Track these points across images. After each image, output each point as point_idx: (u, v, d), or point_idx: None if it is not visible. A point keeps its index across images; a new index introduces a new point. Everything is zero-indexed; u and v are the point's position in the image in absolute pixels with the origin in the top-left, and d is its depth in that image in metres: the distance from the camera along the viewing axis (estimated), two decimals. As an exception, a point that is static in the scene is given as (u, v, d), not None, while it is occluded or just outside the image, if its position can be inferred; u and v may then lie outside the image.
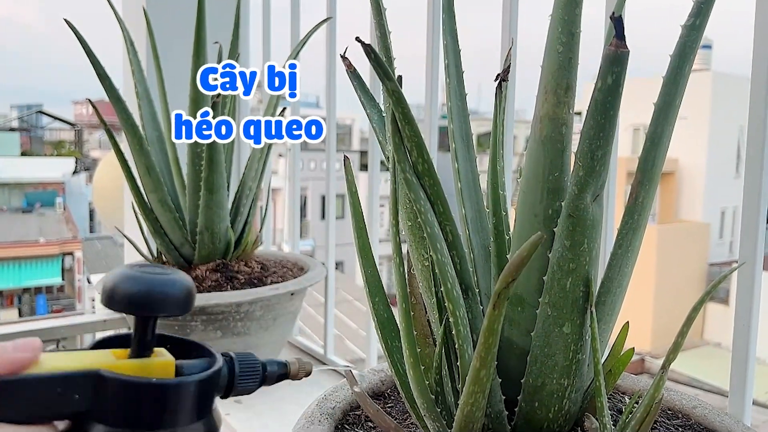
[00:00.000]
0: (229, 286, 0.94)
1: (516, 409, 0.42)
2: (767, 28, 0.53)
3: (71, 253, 12.59)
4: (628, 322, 0.44)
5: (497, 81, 0.43)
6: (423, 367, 0.41)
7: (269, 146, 0.98)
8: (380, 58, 0.34)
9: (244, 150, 1.31)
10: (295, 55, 0.97)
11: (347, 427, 0.49)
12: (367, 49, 0.34)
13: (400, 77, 0.36)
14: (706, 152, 15.07)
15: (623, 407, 0.49)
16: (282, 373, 0.35)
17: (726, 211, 16.13)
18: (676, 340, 0.37)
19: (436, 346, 0.43)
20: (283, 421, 0.90)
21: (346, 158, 0.47)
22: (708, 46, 16.13)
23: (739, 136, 15.86)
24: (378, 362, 0.85)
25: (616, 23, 0.33)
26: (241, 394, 0.33)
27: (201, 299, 0.86)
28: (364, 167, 1.05)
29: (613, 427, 0.39)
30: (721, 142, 15.13)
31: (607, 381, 0.43)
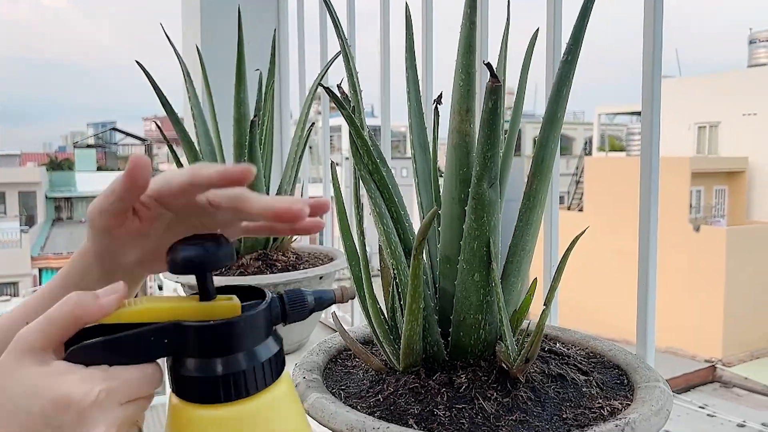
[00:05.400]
0: (268, 272, 1.13)
1: (449, 339, 0.58)
2: None
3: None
4: (536, 278, 0.59)
5: (434, 105, 0.60)
6: (386, 308, 0.59)
7: (300, 156, 1.17)
8: (336, 96, 0.52)
9: (285, 157, 1.51)
10: (319, 80, 1.16)
11: (339, 360, 0.67)
12: (327, 90, 0.52)
13: (353, 107, 0.54)
14: (780, 149, 14.35)
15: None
16: (327, 299, 0.42)
17: (804, 211, 15.26)
18: (552, 284, 0.53)
19: (396, 296, 0.60)
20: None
21: (332, 164, 0.65)
22: (779, 38, 15.40)
23: (816, 131, 15.01)
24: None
25: (489, 67, 0.49)
26: (297, 320, 0.40)
27: (244, 281, 1.06)
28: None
29: (516, 348, 0.55)
30: (796, 138, 14.36)
31: (518, 320, 0.59)
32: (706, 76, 15.46)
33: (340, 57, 1.18)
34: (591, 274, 11.85)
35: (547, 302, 0.54)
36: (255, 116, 1.01)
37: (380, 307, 0.59)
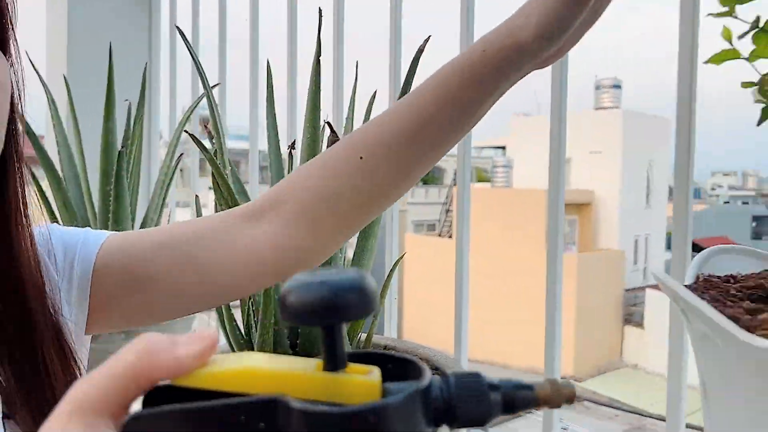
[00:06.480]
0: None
1: (297, 349, 0.68)
2: (687, 72, 0.61)
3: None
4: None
5: (288, 150, 0.71)
6: (242, 324, 0.67)
7: (168, 185, 1.22)
8: (200, 141, 0.61)
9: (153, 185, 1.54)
10: (184, 122, 1.22)
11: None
12: (192, 136, 0.60)
13: (217, 151, 0.63)
14: (620, 184, 16.17)
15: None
16: (528, 398, 0.25)
17: (639, 239, 17.26)
18: (380, 299, 0.65)
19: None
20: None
21: (197, 197, 0.73)
22: (618, 86, 17.46)
23: (648, 170, 17.13)
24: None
25: (329, 125, 0.61)
26: (472, 426, 0.24)
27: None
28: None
29: (351, 356, 0.66)
30: (633, 175, 16.26)
31: (354, 331, 0.70)
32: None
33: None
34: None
35: (375, 315, 0.66)
36: (123, 147, 1.06)
37: (236, 323, 0.67)
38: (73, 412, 0.24)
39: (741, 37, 0.39)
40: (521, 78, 0.46)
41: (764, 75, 0.39)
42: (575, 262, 13.73)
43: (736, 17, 0.39)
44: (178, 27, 0.66)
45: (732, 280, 0.43)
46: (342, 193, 0.48)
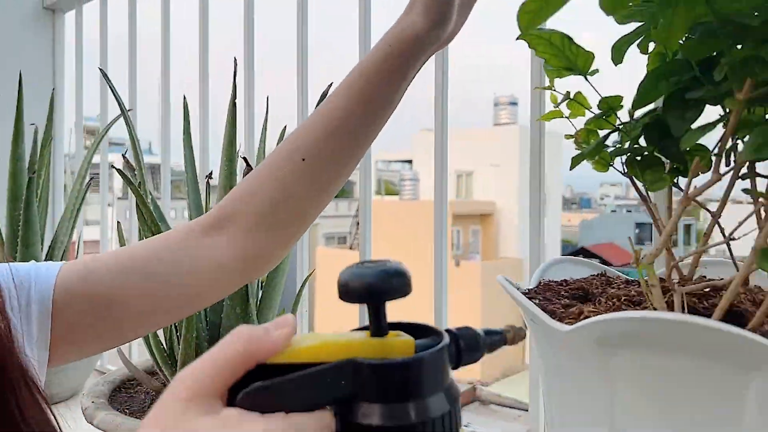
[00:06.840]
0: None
1: (217, 360, 0.75)
2: (537, 98, 0.77)
3: None
4: (284, 308, 0.80)
5: (206, 179, 0.78)
6: (164, 339, 0.74)
7: (78, 208, 1.24)
8: (126, 175, 0.68)
9: (58, 209, 1.53)
10: (94, 148, 1.24)
11: (123, 389, 0.79)
12: (119, 171, 0.67)
13: (140, 182, 0.70)
14: (517, 196, 17.07)
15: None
16: (501, 340, 0.36)
17: (537, 247, 18.18)
18: (292, 310, 0.74)
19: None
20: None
21: (119, 224, 0.78)
22: (515, 103, 18.47)
23: (543, 181, 18.15)
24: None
25: (245, 160, 0.69)
26: (469, 363, 0.35)
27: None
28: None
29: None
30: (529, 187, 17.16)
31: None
32: (463, 131, 17.81)
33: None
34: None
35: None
36: (33, 172, 1.07)
37: (160, 339, 0.74)
38: (191, 397, 0.29)
39: (558, 104, 0.53)
40: (427, 59, 0.53)
41: (577, 131, 0.53)
42: (479, 270, 14.27)
43: (555, 90, 0.52)
44: (101, 69, 0.72)
45: (564, 284, 0.56)
46: (293, 196, 0.51)
